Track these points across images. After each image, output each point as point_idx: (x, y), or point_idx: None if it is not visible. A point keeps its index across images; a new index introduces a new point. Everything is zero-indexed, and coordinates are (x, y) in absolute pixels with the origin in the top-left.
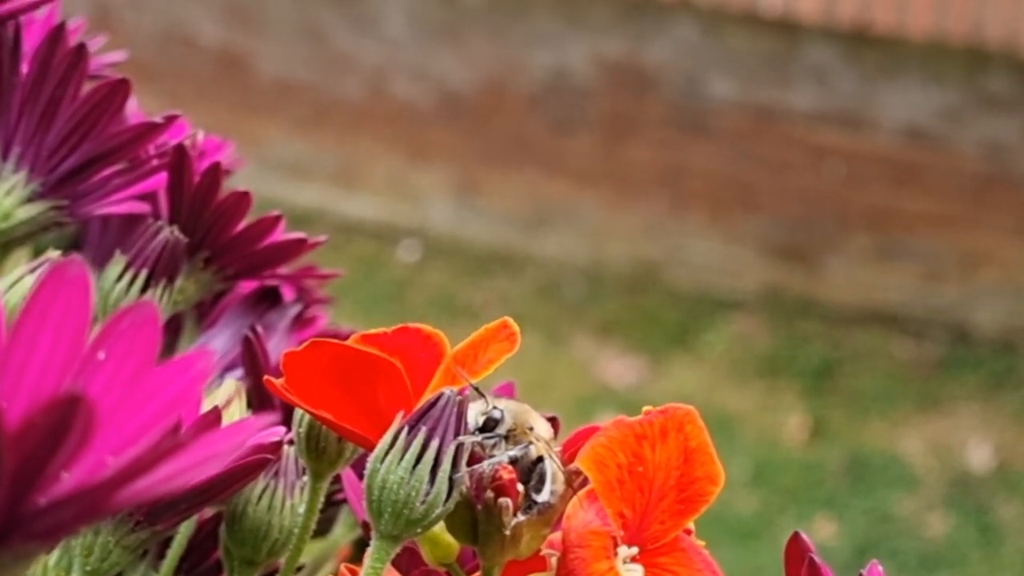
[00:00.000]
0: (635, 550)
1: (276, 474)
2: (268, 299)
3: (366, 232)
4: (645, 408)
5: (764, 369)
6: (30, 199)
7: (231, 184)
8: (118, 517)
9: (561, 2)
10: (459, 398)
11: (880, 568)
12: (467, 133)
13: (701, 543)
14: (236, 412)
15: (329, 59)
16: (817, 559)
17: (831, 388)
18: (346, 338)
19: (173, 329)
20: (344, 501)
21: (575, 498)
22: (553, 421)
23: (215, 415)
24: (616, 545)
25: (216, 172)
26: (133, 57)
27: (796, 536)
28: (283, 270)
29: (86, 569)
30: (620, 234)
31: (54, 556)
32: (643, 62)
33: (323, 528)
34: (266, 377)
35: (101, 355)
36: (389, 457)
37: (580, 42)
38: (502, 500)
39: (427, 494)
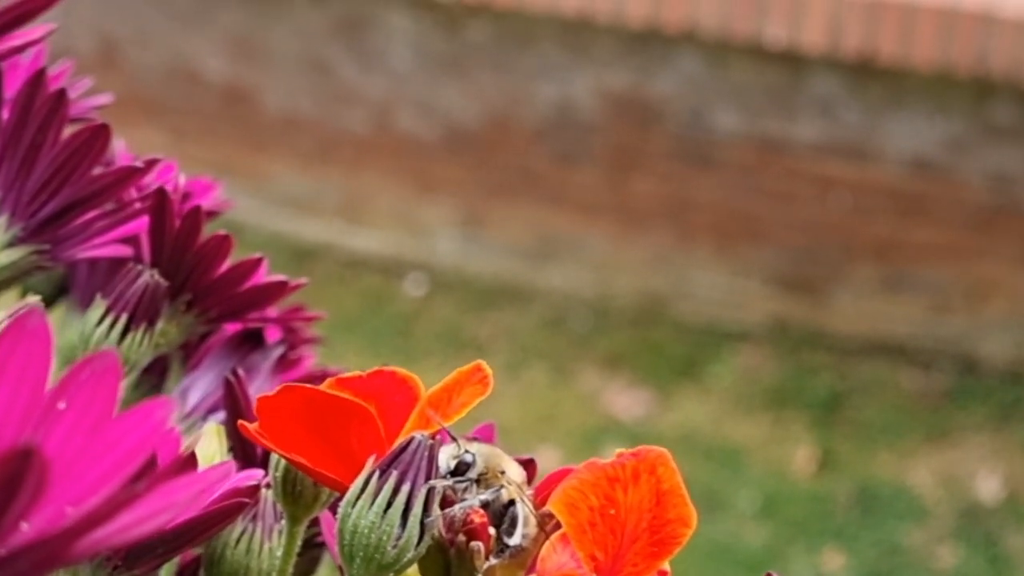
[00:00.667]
0: None
1: (254, 518)
2: (251, 341)
3: (372, 266)
4: (617, 451)
5: (771, 401)
6: (11, 243)
7: (236, 221)
8: (96, 561)
9: (566, 35)
10: (430, 442)
11: None
12: (472, 166)
13: None
14: (216, 455)
15: (334, 93)
16: None
17: (839, 419)
18: (332, 378)
19: (159, 370)
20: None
21: (548, 541)
22: (528, 464)
23: (181, 463)
24: None
25: (197, 215)
26: (138, 92)
27: None
28: (270, 311)
29: None
30: (626, 266)
31: None
32: (648, 94)
33: (308, 569)
34: (240, 422)
35: (62, 405)
36: (360, 502)
37: (585, 75)
38: (474, 544)
39: (398, 538)
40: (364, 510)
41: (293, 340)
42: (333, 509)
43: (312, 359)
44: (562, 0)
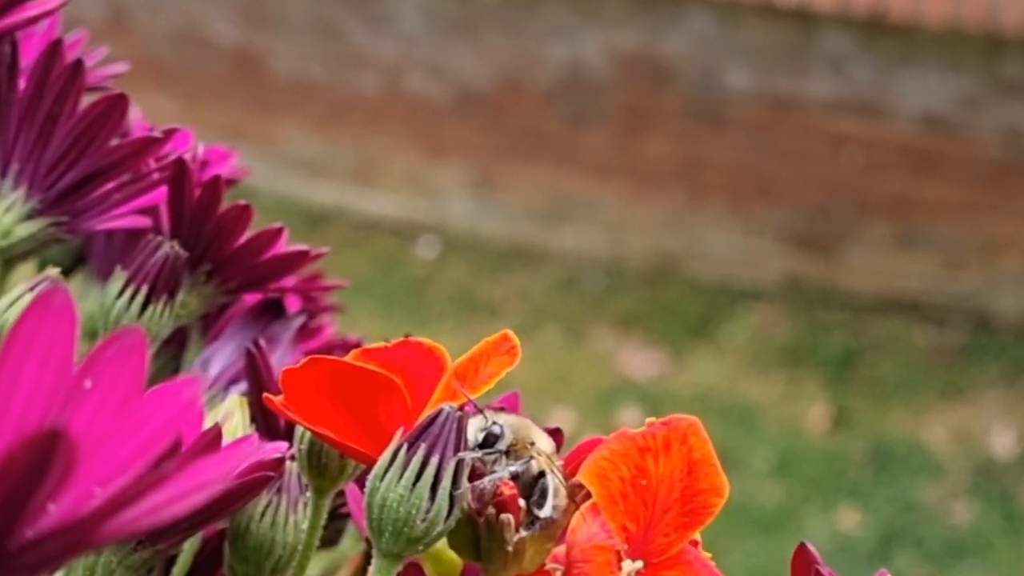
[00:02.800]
0: (640, 564)
1: (279, 491)
2: (272, 311)
3: (384, 229)
4: (648, 420)
5: (786, 359)
6: (29, 216)
7: (248, 185)
8: None
9: None
10: (459, 414)
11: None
12: (484, 128)
13: (707, 555)
14: (239, 428)
15: (345, 57)
16: (824, 570)
17: (853, 377)
18: (354, 347)
19: (179, 342)
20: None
21: (579, 512)
22: (556, 433)
23: (207, 440)
24: (620, 559)
25: (217, 185)
26: (149, 58)
27: (803, 547)
28: (288, 281)
29: None
30: (639, 227)
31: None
32: (659, 54)
33: (332, 539)
34: (265, 395)
35: (87, 384)
36: (389, 475)
37: (595, 35)
38: (504, 516)
39: (427, 511)
40: (393, 483)
41: (312, 309)
42: (359, 481)
43: (332, 328)
44: None
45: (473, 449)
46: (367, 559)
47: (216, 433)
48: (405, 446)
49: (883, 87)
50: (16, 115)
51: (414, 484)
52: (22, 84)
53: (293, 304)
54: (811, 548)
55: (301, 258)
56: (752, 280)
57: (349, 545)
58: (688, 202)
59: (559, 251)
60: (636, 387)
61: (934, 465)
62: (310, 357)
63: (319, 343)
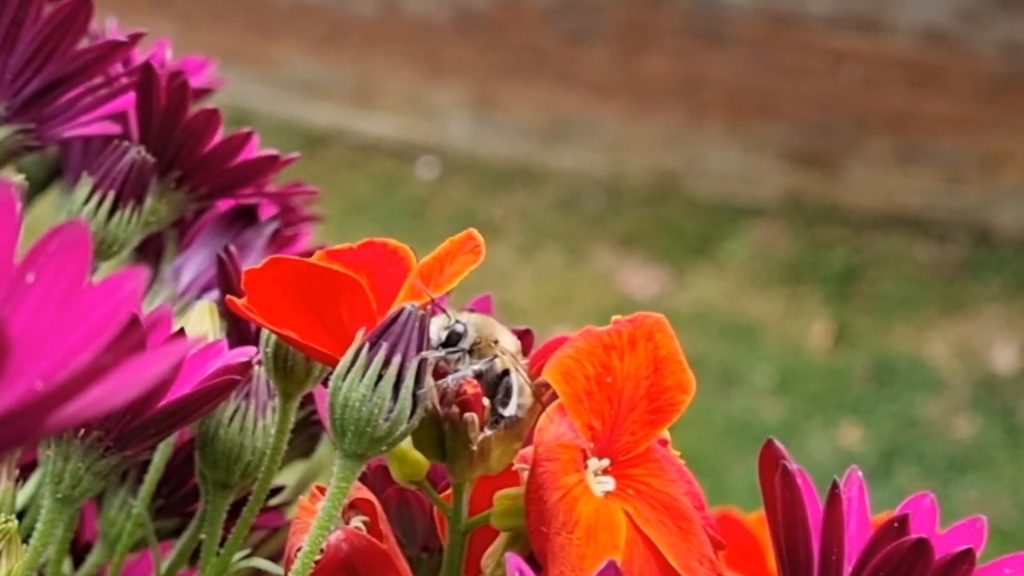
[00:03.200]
0: (606, 462)
1: (247, 396)
2: (245, 218)
3: (384, 150)
4: (614, 317)
5: (787, 276)
6: None
7: (246, 108)
8: (87, 443)
9: None
10: (421, 312)
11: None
12: (482, 48)
13: (676, 453)
14: (209, 334)
15: None
16: (790, 465)
17: (854, 293)
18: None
19: (155, 252)
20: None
21: (546, 412)
22: (525, 335)
23: (139, 336)
24: (586, 458)
25: (184, 90)
26: None
27: (769, 443)
28: (268, 188)
29: (57, 496)
30: (639, 145)
31: (28, 486)
32: None
33: (307, 448)
34: (228, 297)
35: (30, 278)
36: (351, 375)
37: None
38: (468, 415)
39: (390, 411)
40: (355, 383)
41: (291, 218)
42: (327, 384)
43: (309, 236)
44: None
45: (436, 348)
46: None
47: (178, 333)
48: (367, 345)
49: (882, 1)
50: None
51: (376, 384)
52: None
53: (268, 212)
54: (778, 443)
55: (271, 163)
56: (752, 197)
57: (325, 453)
58: (688, 120)
59: (559, 170)
60: (637, 306)
61: (935, 380)
62: (272, 257)
63: (294, 251)
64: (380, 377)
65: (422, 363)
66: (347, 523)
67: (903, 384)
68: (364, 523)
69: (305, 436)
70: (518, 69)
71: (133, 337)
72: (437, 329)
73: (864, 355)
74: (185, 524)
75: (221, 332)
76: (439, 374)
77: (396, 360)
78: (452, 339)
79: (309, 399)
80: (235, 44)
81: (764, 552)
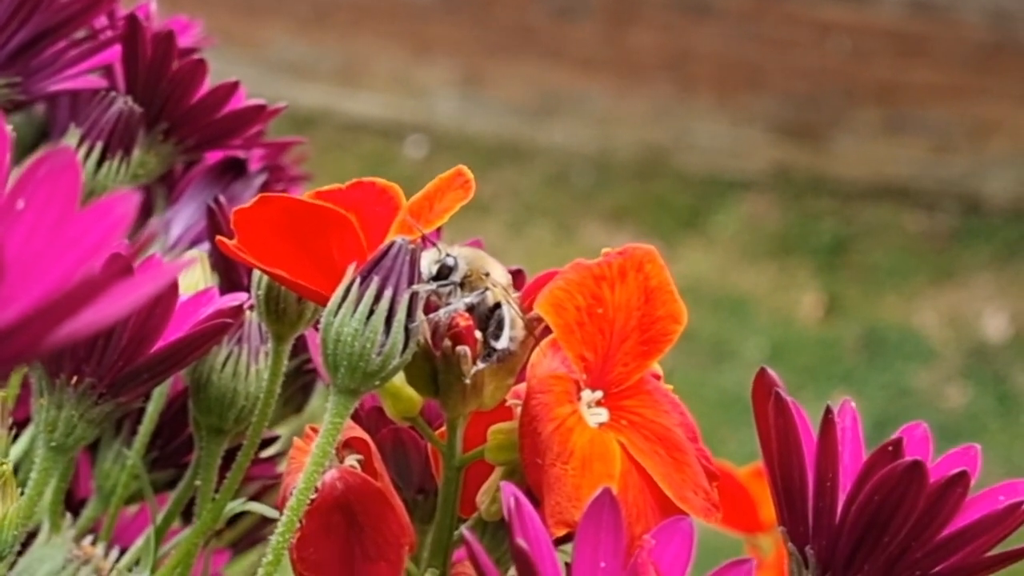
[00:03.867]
0: (599, 393)
1: (239, 340)
2: (233, 170)
3: (372, 130)
4: (604, 249)
5: (776, 248)
6: None
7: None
8: (80, 390)
9: None
10: (411, 246)
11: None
12: (469, 25)
13: (669, 387)
14: (200, 282)
15: None
16: (783, 393)
17: (844, 264)
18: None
19: (146, 205)
20: (314, 371)
21: (539, 347)
22: (517, 275)
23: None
24: (579, 389)
25: (169, 41)
26: None
27: (762, 371)
28: (255, 138)
29: (51, 444)
30: (627, 120)
31: (22, 441)
32: None
33: (299, 403)
34: (218, 238)
35: (20, 204)
36: (342, 310)
37: None
38: (460, 348)
39: (382, 345)
40: (346, 318)
41: (279, 176)
42: (318, 327)
43: (297, 192)
44: None
45: (427, 281)
46: None
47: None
48: (358, 280)
49: None
50: None
51: (368, 318)
52: None
53: (254, 164)
54: (771, 372)
55: (258, 113)
56: (741, 170)
57: (318, 404)
58: (676, 94)
59: (548, 146)
60: None
61: (927, 350)
62: (261, 195)
63: None
64: (372, 311)
65: (413, 296)
66: (341, 462)
67: (894, 354)
68: (359, 462)
69: (297, 387)
70: (506, 46)
71: (123, 260)
72: (428, 263)
73: (855, 326)
74: (179, 476)
75: (212, 282)
76: (430, 308)
77: (387, 294)
78: (443, 272)
79: (300, 348)
80: (221, 24)
81: (757, 505)
